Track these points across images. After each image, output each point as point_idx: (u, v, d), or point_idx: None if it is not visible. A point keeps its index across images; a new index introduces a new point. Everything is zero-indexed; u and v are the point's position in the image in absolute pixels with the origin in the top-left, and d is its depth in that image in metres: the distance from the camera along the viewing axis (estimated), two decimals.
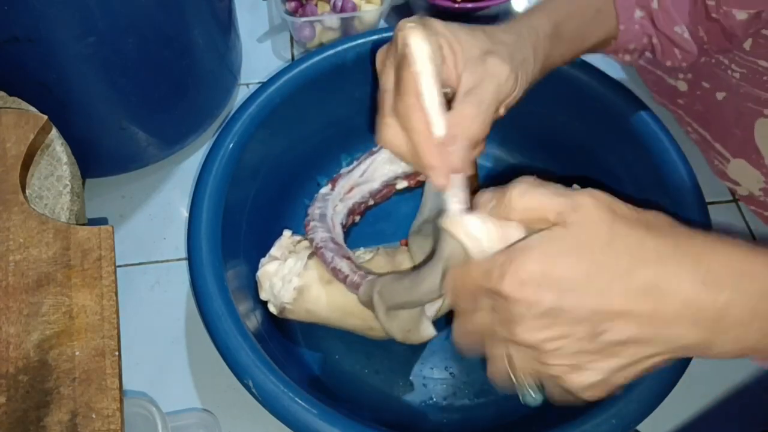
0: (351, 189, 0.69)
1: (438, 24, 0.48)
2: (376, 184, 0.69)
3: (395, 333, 0.54)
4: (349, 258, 0.58)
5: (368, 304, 0.54)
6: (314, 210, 0.65)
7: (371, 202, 0.70)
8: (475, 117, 0.44)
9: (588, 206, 0.35)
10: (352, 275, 0.56)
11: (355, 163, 0.70)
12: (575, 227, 0.34)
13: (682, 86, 0.75)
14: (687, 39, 0.58)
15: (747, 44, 0.63)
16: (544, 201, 0.36)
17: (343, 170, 0.70)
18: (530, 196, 0.37)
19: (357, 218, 0.70)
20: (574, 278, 0.33)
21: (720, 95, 0.69)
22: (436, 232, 0.59)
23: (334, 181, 0.68)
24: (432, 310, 0.57)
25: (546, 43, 0.53)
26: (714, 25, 0.57)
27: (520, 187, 0.37)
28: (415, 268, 0.58)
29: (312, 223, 0.62)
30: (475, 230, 0.39)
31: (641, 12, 0.58)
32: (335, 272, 0.57)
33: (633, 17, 0.58)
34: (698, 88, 0.72)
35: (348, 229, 0.69)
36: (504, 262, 0.34)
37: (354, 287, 0.56)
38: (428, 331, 0.56)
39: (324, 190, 0.68)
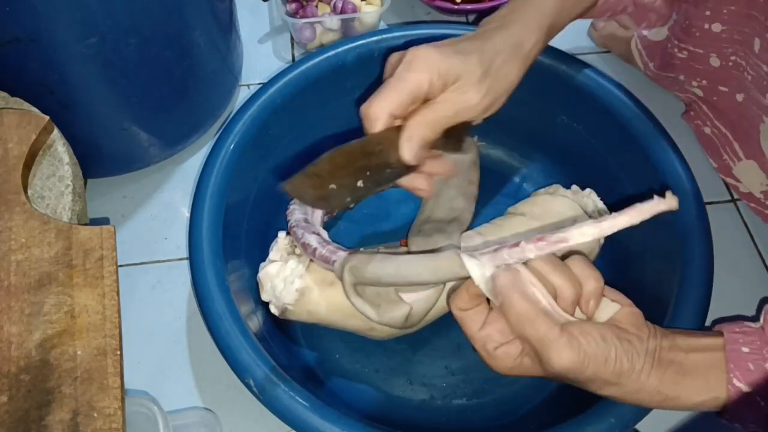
0: None
1: (436, 60, 0.50)
2: None
3: (367, 310, 0.54)
4: (318, 234, 0.59)
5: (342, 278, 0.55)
6: None
7: None
8: (421, 125, 0.51)
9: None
10: (320, 248, 0.57)
11: None
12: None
13: (699, 93, 0.75)
14: (659, 5, 0.63)
15: (756, 46, 0.63)
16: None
17: None
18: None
19: (351, 205, 0.70)
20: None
21: (740, 96, 0.69)
22: (439, 233, 0.59)
23: None
24: (421, 309, 0.57)
25: (538, 47, 0.56)
26: None
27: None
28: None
29: (291, 207, 0.63)
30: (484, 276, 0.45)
31: None
32: (305, 247, 0.58)
33: None
34: (715, 93, 0.72)
35: (339, 214, 0.70)
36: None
37: (322, 260, 0.56)
38: (401, 305, 0.55)
39: None
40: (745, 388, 0.43)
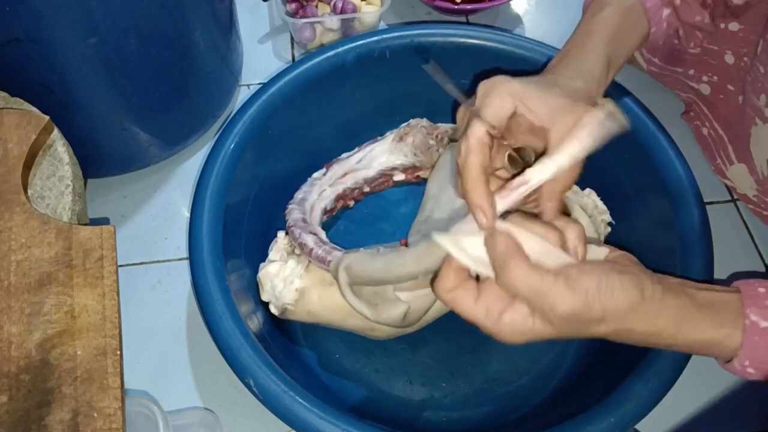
0: (345, 174, 0.69)
1: (514, 85, 0.47)
2: (372, 172, 0.70)
3: (364, 310, 0.54)
4: (315, 234, 0.59)
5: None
6: (298, 194, 0.66)
7: (366, 189, 0.70)
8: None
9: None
10: (316, 248, 0.57)
11: (356, 149, 0.70)
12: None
13: (705, 89, 0.75)
14: (707, 22, 0.65)
15: (759, 48, 0.63)
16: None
17: (342, 156, 0.70)
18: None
19: (351, 203, 0.70)
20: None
21: (741, 98, 0.69)
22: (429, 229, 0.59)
23: (329, 165, 0.69)
24: (419, 307, 0.57)
25: (602, 81, 0.55)
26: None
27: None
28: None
29: (290, 206, 0.63)
30: (472, 250, 0.42)
31: (668, 9, 0.62)
32: (302, 247, 0.58)
33: (661, 17, 0.62)
34: (722, 90, 0.72)
35: (339, 213, 0.70)
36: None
37: (318, 260, 0.57)
38: (398, 304, 0.55)
39: (317, 174, 0.68)
40: (762, 323, 0.42)
